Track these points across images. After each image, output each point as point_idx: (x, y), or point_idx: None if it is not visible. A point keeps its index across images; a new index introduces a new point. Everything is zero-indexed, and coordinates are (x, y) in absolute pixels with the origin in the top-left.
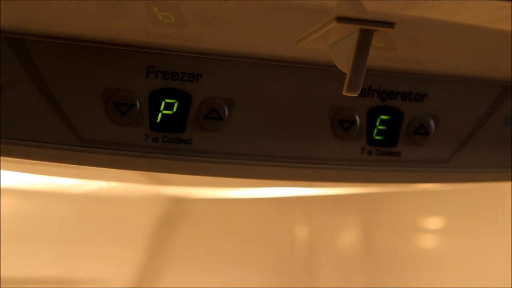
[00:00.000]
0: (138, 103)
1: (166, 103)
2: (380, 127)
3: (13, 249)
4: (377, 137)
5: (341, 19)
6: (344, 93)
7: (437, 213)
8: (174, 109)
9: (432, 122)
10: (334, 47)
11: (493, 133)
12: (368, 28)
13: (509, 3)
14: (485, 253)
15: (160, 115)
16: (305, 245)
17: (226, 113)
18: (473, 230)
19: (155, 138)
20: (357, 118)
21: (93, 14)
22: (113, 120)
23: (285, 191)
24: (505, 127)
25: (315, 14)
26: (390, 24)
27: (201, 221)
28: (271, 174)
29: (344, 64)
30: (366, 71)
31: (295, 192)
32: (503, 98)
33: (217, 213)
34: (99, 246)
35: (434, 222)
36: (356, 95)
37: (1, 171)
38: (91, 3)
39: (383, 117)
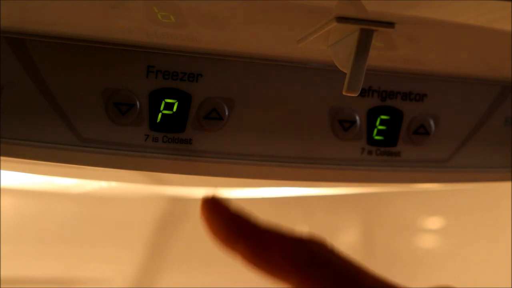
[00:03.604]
0: (138, 103)
1: (166, 103)
2: (380, 127)
3: (13, 249)
4: (377, 137)
5: (341, 19)
6: (344, 93)
7: (437, 213)
8: (174, 109)
9: (432, 122)
10: (334, 47)
11: (493, 133)
12: (368, 28)
13: (509, 3)
14: (485, 253)
15: (160, 115)
16: None
17: (226, 113)
18: (473, 230)
19: (155, 138)
20: (357, 118)
21: (93, 14)
22: (113, 120)
23: (285, 191)
24: (505, 127)
25: (315, 14)
26: (390, 24)
27: (201, 221)
28: (271, 174)
29: (344, 64)
30: (366, 71)
31: (295, 192)
32: (503, 98)
33: None
34: (99, 246)
35: (434, 222)
36: (356, 95)
37: (1, 171)
38: (91, 3)
39: (383, 117)
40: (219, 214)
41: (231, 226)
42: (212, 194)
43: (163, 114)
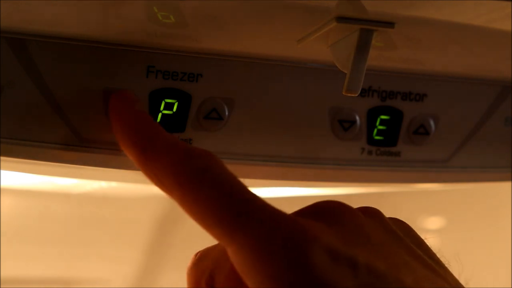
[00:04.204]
0: None
1: (166, 103)
2: (380, 127)
3: (13, 249)
4: (377, 137)
5: (341, 19)
6: (344, 93)
7: (437, 213)
8: (174, 109)
9: (432, 122)
10: (334, 47)
11: (493, 133)
12: (368, 28)
13: (509, 3)
14: (485, 253)
15: (160, 115)
16: None
17: (226, 113)
18: (473, 230)
19: None
20: (357, 118)
21: (93, 14)
22: None
23: (285, 191)
24: (505, 127)
25: (315, 14)
26: (390, 24)
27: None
28: (271, 174)
29: (344, 64)
30: (366, 71)
31: (295, 192)
32: (503, 98)
33: None
34: (99, 246)
35: (434, 222)
36: (356, 95)
37: (1, 171)
38: (91, 3)
39: (383, 117)
40: (121, 113)
41: (127, 130)
42: (124, 90)
43: (163, 114)
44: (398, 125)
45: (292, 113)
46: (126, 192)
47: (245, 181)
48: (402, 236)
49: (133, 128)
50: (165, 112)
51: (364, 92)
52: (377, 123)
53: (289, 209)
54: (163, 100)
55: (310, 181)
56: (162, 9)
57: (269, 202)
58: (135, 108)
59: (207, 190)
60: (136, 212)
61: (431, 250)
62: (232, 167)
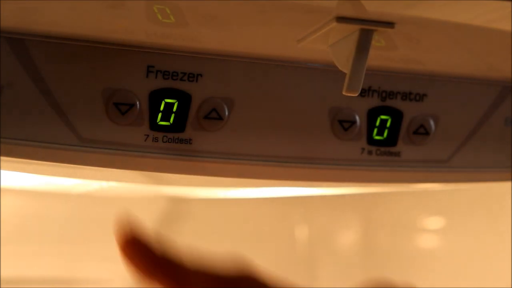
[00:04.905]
0: (138, 103)
1: (166, 103)
2: (380, 127)
3: (13, 249)
4: (377, 137)
5: (341, 19)
6: (344, 93)
7: (437, 213)
8: (174, 109)
9: (432, 122)
10: (334, 47)
11: (493, 133)
12: (368, 28)
13: (509, 3)
14: (485, 253)
15: (160, 115)
16: (305, 245)
17: (226, 113)
18: (473, 230)
19: (155, 138)
20: (357, 118)
21: (93, 14)
22: (113, 120)
23: (285, 191)
24: (505, 127)
25: (315, 14)
26: (390, 24)
27: (201, 221)
28: (271, 174)
29: (344, 64)
30: (366, 71)
31: (295, 192)
32: (503, 98)
33: (217, 213)
34: (99, 246)
35: (434, 222)
36: (356, 95)
37: (1, 171)
38: (91, 3)
39: (383, 117)
40: (140, 254)
41: (152, 268)
42: (129, 231)
43: (163, 114)
44: (398, 125)
45: (292, 113)
46: (126, 192)
47: (246, 181)
48: None
49: (157, 270)
50: (165, 112)
51: (364, 92)
52: (377, 123)
53: (289, 209)
54: (163, 100)
55: (310, 181)
56: (162, 9)
57: (269, 202)
58: (150, 248)
59: None
60: (136, 212)
61: None
62: (232, 167)
